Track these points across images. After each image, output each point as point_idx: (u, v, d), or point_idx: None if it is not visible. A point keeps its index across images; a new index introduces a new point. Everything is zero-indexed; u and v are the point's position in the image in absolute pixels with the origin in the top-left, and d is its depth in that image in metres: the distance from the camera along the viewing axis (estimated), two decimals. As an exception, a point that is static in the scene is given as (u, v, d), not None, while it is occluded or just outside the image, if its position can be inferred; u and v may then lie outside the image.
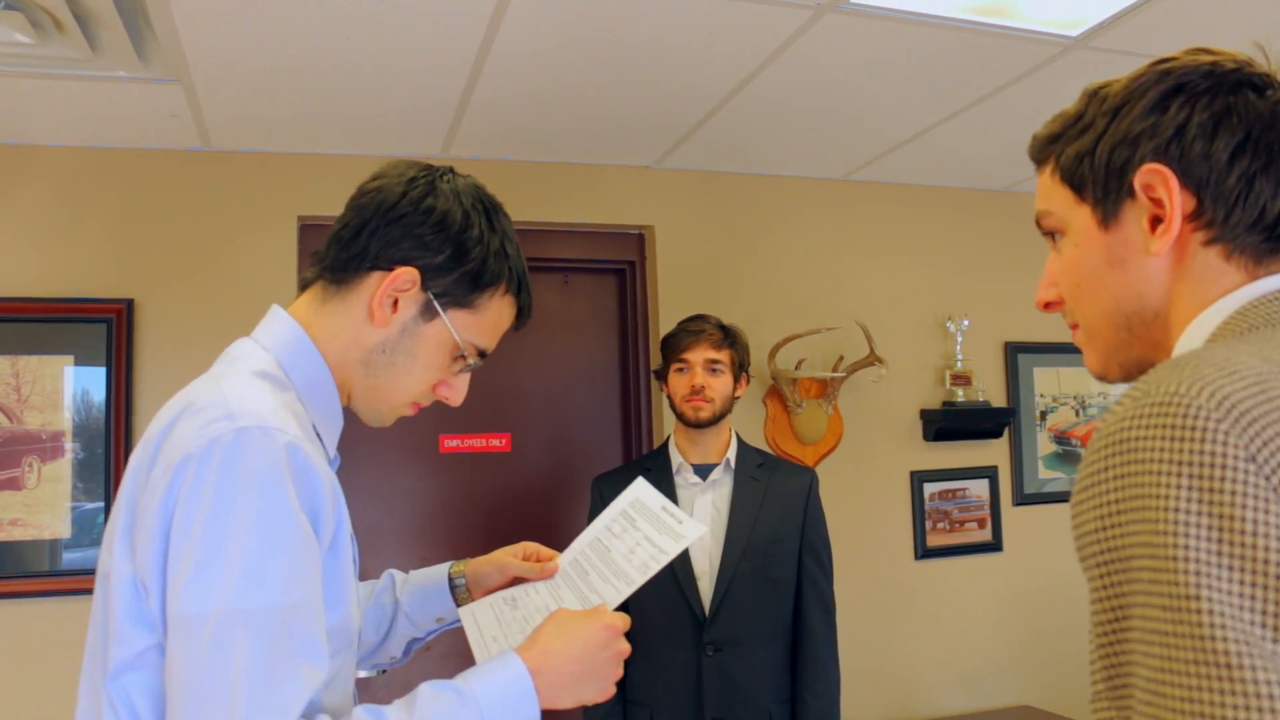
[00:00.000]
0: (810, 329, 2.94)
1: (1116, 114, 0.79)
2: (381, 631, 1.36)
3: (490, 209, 1.13)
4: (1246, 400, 0.58)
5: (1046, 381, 3.35)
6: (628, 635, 1.15)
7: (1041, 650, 3.22)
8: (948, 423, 3.12)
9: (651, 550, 1.30)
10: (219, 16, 1.89)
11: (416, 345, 1.10)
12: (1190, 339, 0.75)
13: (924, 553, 3.13)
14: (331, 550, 0.99)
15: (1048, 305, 0.88)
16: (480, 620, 1.29)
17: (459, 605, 1.35)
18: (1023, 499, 3.27)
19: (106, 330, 2.48)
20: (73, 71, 2.10)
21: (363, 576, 1.41)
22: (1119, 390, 0.72)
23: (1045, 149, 0.86)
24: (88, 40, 1.96)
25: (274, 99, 2.32)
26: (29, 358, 2.45)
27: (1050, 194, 0.85)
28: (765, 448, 2.90)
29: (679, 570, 2.15)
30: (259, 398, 0.97)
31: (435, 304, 1.09)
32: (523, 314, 1.18)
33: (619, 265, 3.02)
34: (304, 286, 1.14)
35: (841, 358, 3.04)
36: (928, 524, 3.14)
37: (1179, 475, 0.57)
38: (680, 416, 2.25)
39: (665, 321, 2.78)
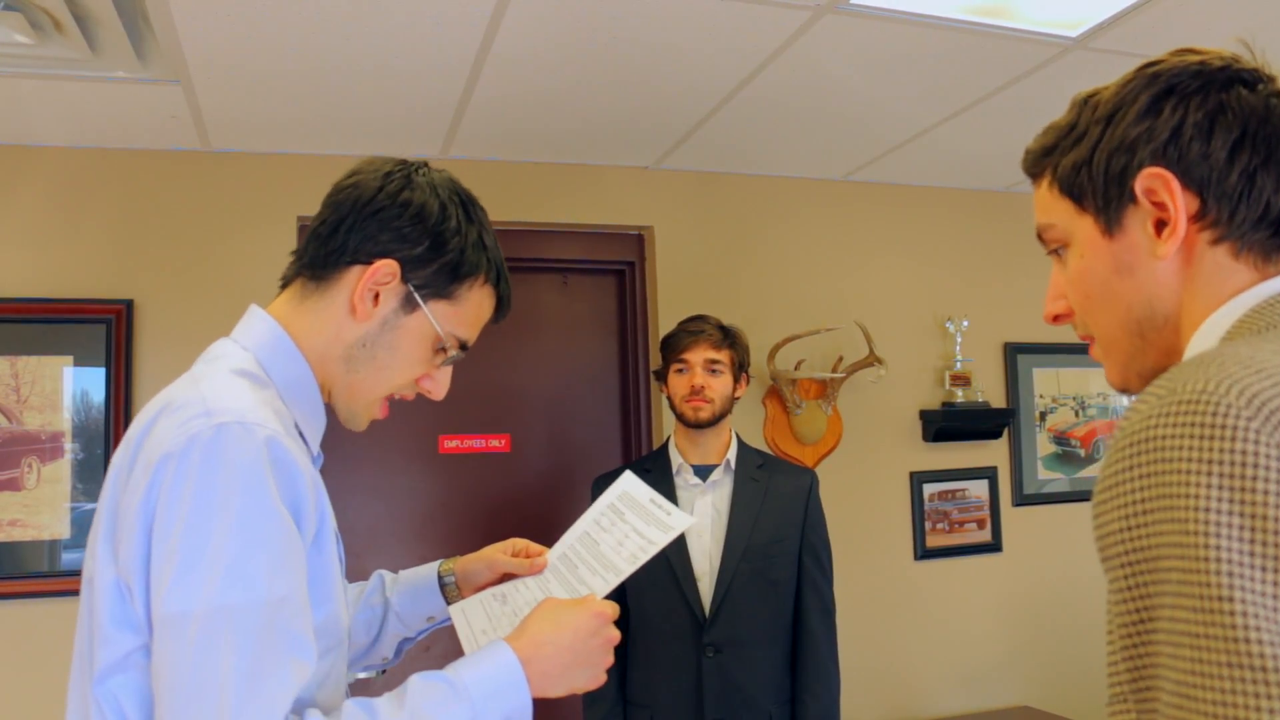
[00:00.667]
0: (810, 329, 2.94)
1: (1110, 121, 0.79)
2: (372, 633, 1.35)
3: (466, 201, 1.14)
4: (1276, 399, 0.57)
5: (1046, 382, 3.35)
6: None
7: (1041, 650, 3.22)
8: (947, 423, 3.12)
9: (640, 541, 1.30)
10: (219, 17, 1.89)
11: (398, 338, 1.10)
12: (1203, 339, 0.74)
13: (923, 553, 3.13)
14: (315, 546, 0.99)
15: (1057, 318, 0.87)
16: (471, 617, 1.29)
17: (449, 603, 1.35)
18: (1022, 499, 3.27)
19: (106, 331, 2.48)
20: (72, 72, 2.10)
21: (363, 576, 1.41)
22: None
23: (1040, 162, 0.85)
24: (87, 41, 1.96)
25: (273, 99, 2.32)
26: (28, 358, 2.45)
27: (1050, 207, 0.84)
28: (765, 448, 2.90)
29: (679, 571, 2.15)
30: (237, 394, 0.96)
31: (416, 295, 1.09)
32: (502, 304, 1.19)
33: (618, 266, 3.02)
34: (284, 285, 1.14)
35: (841, 358, 3.04)
36: (927, 524, 3.14)
37: (1209, 474, 0.56)
38: (680, 417, 2.25)
39: (665, 322, 2.77)
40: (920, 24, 2.02)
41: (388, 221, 1.08)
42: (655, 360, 2.74)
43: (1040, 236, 0.86)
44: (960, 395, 3.14)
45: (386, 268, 1.07)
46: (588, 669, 1.10)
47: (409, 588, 1.37)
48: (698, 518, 2.21)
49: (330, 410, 1.14)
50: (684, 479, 2.26)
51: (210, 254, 2.60)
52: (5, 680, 2.35)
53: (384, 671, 1.39)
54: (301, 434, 1.08)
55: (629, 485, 1.42)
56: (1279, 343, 0.66)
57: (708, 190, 3.03)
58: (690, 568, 2.16)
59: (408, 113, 2.44)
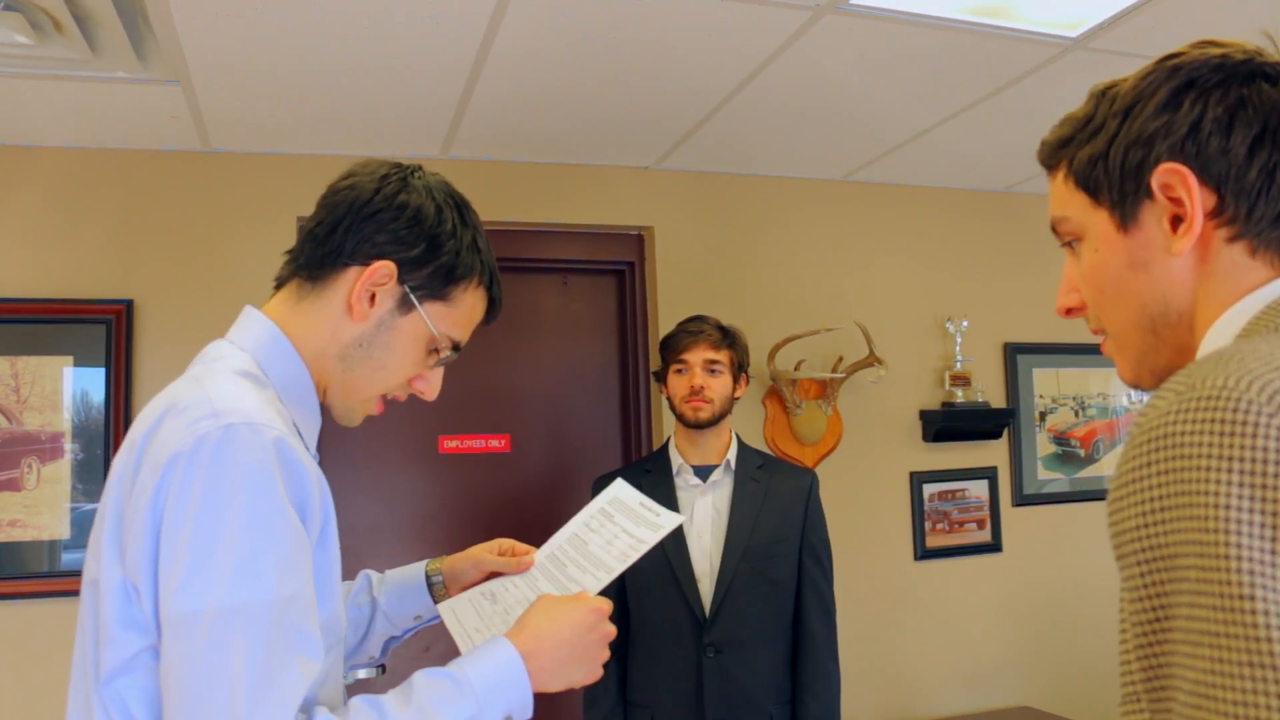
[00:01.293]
0: (810, 330, 2.94)
1: (1128, 114, 0.77)
2: (360, 632, 1.36)
3: (460, 205, 1.16)
4: None
5: (1046, 382, 3.35)
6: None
7: (1041, 650, 3.22)
8: (947, 423, 3.12)
9: (630, 540, 1.32)
10: (218, 17, 1.89)
11: (393, 338, 1.11)
12: (1217, 337, 0.73)
13: (923, 553, 3.13)
14: (320, 545, 1.00)
15: (1069, 311, 0.86)
16: (461, 615, 1.30)
17: (436, 602, 1.36)
18: (1022, 500, 3.27)
19: (106, 331, 2.48)
20: (72, 72, 2.10)
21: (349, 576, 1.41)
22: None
23: (1056, 154, 0.84)
24: (87, 41, 1.96)
25: (273, 100, 2.32)
26: (28, 358, 2.45)
27: (1065, 199, 0.83)
28: (764, 449, 2.90)
29: (679, 572, 2.15)
30: (242, 395, 0.97)
31: (411, 297, 1.10)
32: (493, 307, 1.20)
33: (618, 266, 3.02)
34: (279, 285, 1.15)
35: (841, 358, 3.04)
36: (927, 525, 3.14)
37: (1229, 471, 0.55)
38: (680, 418, 2.25)
39: (665, 322, 2.77)
40: (920, 24, 2.02)
41: (385, 224, 1.09)
42: (655, 361, 2.74)
43: (1054, 229, 0.85)
44: (960, 395, 3.14)
45: (384, 269, 1.08)
46: (585, 664, 1.12)
47: (396, 587, 1.38)
48: (698, 518, 2.21)
49: (325, 410, 1.15)
50: (684, 479, 2.26)
51: (210, 254, 2.60)
52: (5, 680, 2.35)
53: (384, 671, 1.39)
54: (300, 434, 1.09)
55: (620, 491, 1.43)
56: None
57: (708, 190, 3.03)
58: (690, 568, 2.16)
59: (407, 113, 2.44)
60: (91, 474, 2.45)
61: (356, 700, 0.96)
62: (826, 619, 2.20)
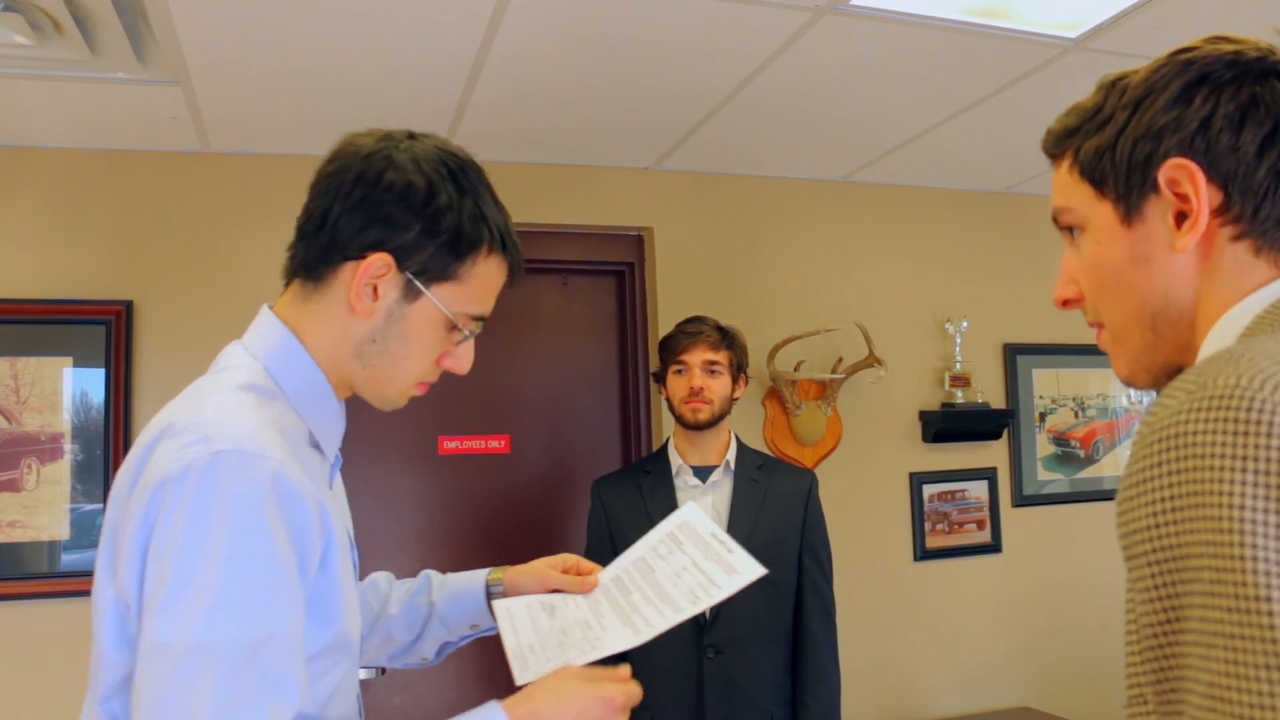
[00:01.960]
0: (809, 330, 2.94)
1: (1138, 107, 0.76)
2: (414, 632, 1.34)
3: (456, 171, 1.07)
4: None
5: (1045, 383, 3.35)
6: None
7: (1041, 651, 3.22)
8: (947, 424, 3.12)
9: (699, 578, 1.24)
10: (218, 18, 1.89)
11: (406, 328, 1.05)
12: (1220, 336, 0.72)
13: (923, 554, 3.12)
14: (322, 570, 0.96)
15: (1067, 302, 0.85)
16: (516, 620, 1.25)
17: None
18: (1022, 500, 3.27)
19: (105, 332, 2.48)
20: (72, 73, 2.10)
21: (362, 579, 1.40)
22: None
23: (1061, 143, 0.83)
24: (86, 42, 1.96)
25: (273, 100, 2.32)
26: (28, 359, 2.44)
27: (1068, 189, 0.81)
28: (764, 449, 2.90)
29: (678, 572, 2.14)
30: (239, 418, 0.93)
31: (416, 283, 1.03)
32: (515, 270, 1.12)
33: (618, 267, 3.02)
34: (287, 281, 1.11)
35: (840, 359, 3.04)
36: (927, 525, 3.14)
37: (1243, 470, 0.54)
38: (679, 419, 2.25)
39: (664, 323, 2.77)
40: (920, 24, 2.02)
41: (373, 209, 1.01)
42: (655, 362, 2.74)
43: (1055, 218, 0.84)
44: (960, 396, 3.14)
45: (379, 261, 1.01)
46: None
47: (455, 593, 1.35)
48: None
49: (359, 402, 1.11)
50: (683, 480, 2.26)
51: (210, 254, 2.60)
52: (5, 680, 2.35)
53: (383, 671, 1.38)
54: (317, 442, 1.06)
55: (690, 515, 1.37)
56: None
57: (708, 191, 3.03)
58: (690, 568, 2.16)
59: (407, 113, 2.44)
60: (91, 475, 2.45)
61: None
62: (826, 619, 2.20)
